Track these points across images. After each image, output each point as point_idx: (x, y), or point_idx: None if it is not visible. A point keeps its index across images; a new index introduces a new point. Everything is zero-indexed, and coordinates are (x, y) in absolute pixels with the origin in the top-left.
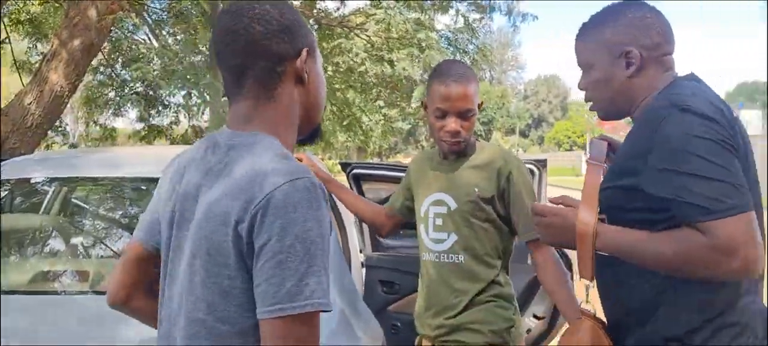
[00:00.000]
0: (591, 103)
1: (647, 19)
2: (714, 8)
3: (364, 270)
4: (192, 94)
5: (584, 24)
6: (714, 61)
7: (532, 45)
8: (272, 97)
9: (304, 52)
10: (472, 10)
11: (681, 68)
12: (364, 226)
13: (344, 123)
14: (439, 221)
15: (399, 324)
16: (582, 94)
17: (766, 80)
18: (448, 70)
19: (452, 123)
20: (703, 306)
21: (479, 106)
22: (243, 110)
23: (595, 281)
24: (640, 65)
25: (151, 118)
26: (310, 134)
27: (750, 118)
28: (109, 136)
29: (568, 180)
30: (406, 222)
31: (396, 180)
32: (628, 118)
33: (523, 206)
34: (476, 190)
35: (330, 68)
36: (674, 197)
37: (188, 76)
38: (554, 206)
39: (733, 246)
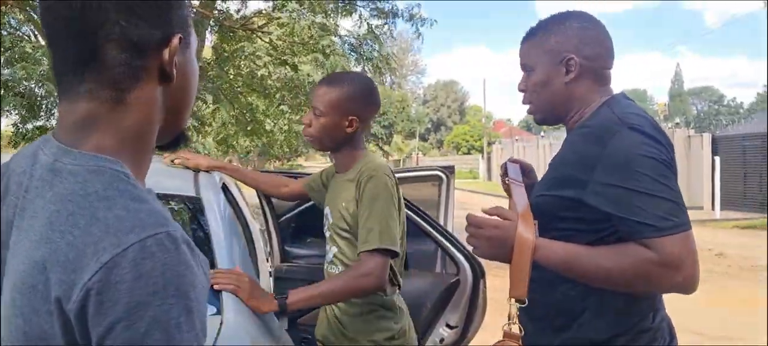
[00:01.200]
0: (529, 105)
1: (590, 30)
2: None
3: (272, 282)
4: None
5: (532, 28)
6: None
7: (431, 50)
8: (124, 101)
9: (175, 40)
10: (375, 15)
11: None
12: (273, 236)
13: (248, 128)
14: (327, 233)
15: (309, 337)
16: (479, 100)
17: (645, 89)
18: (332, 74)
19: (306, 116)
20: (625, 313)
21: (351, 122)
22: (80, 115)
23: (483, 276)
24: (578, 74)
25: (36, 120)
26: (171, 141)
27: None
28: None
29: (466, 183)
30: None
31: None
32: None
33: (365, 215)
34: (344, 203)
35: (232, 71)
36: (622, 214)
37: None
38: (492, 218)
39: (678, 262)
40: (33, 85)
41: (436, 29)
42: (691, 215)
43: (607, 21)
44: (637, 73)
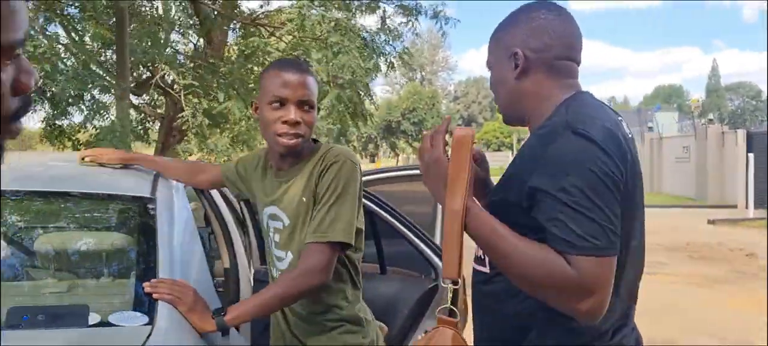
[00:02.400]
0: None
1: (541, 20)
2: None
3: (251, 283)
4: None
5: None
6: (636, 66)
7: (462, 47)
8: None
9: None
10: (399, 12)
11: (611, 73)
12: (251, 237)
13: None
14: (277, 237)
15: None
16: None
17: (680, 84)
18: (285, 62)
19: (292, 113)
20: (577, 332)
21: (318, 110)
22: None
23: (462, 281)
24: (525, 67)
25: (65, 118)
26: None
27: (665, 120)
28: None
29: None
30: None
31: None
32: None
33: (326, 201)
34: (304, 199)
35: (256, 69)
36: (545, 223)
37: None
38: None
39: (589, 286)
40: (57, 84)
41: (467, 26)
42: (724, 213)
43: (643, 16)
44: (675, 68)
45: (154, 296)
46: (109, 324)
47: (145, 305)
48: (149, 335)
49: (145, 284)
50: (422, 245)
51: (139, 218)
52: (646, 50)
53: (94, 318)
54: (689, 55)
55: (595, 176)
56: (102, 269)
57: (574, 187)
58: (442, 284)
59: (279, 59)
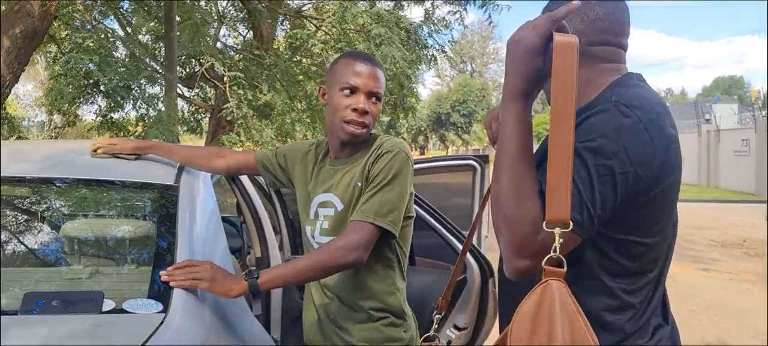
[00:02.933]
0: None
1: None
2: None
3: None
4: (137, 86)
5: None
6: (696, 56)
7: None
8: None
9: None
10: (447, 1)
11: (669, 64)
12: (283, 227)
13: (306, 116)
14: (325, 224)
15: None
16: None
17: (742, 75)
18: (359, 53)
19: (362, 101)
20: (611, 328)
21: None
22: None
23: (490, 270)
24: None
25: (120, 110)
26: None
27: (724, 112)
28: (71, 124)
29: None
30: None
31: None
32: None
33: (377, 184)
34: (359, 185)
35: (305, 61)
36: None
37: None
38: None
39: (542, 249)
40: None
41: (518, 16)
42: None
43: (704, 6)
44: (737, 58)
45: (172, 284)
46: (122, 311)
47: (160, 292)
48: (161, 322)
49: (161, 273)
50: (451, 237)
51: (160, 206)
52: (707, 40)
53: (108, 305)
54: (752, 46)
55: (610, 155)
56: (122, 256)
57: (584, 150)
58: (546, 229)
59: (351, 50)
